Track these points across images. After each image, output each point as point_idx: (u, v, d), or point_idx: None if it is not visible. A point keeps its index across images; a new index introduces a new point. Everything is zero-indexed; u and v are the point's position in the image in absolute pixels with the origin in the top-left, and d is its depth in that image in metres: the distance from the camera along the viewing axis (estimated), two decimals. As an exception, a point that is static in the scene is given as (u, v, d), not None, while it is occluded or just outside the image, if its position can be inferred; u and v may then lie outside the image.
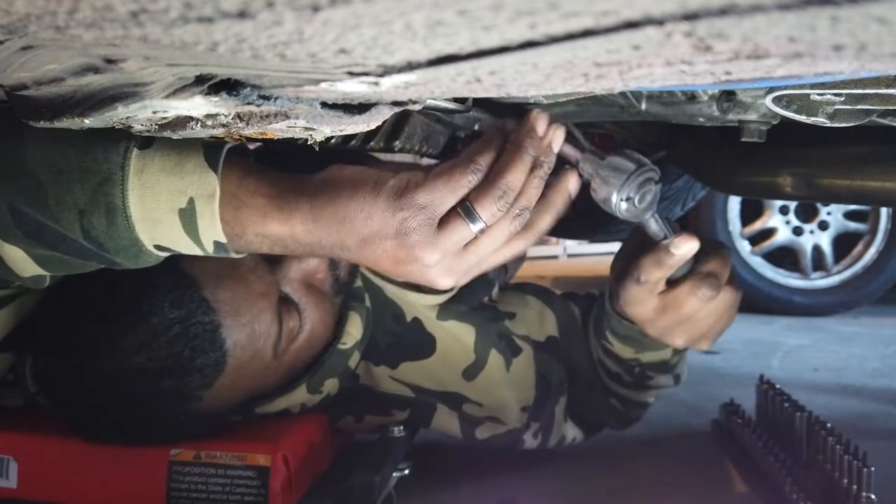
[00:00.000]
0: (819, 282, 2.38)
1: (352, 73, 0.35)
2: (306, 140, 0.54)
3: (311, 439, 0.79)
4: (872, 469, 0.74)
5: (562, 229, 2.56)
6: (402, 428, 0.81)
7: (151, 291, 0.65)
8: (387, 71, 0.34)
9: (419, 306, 0.87)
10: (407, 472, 0.78)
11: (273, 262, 0.72)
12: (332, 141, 0.81)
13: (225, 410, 0.73)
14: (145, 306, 0.64)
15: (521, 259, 1.69)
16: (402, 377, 0.85)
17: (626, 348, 0.81)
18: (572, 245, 4.68)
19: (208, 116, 0.45)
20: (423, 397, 0.85)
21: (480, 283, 0.90)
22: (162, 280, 0.65)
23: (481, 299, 0.90)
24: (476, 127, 0.85)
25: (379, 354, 0.85)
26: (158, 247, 0.56)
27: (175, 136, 0.48)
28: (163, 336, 0.64)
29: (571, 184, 0.63)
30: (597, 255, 4.58)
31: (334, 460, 0.83)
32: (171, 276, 0.66)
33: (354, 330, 0.81)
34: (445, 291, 0.87)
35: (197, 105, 0.42)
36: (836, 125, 0.61)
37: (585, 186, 0.64)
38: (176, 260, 0.65)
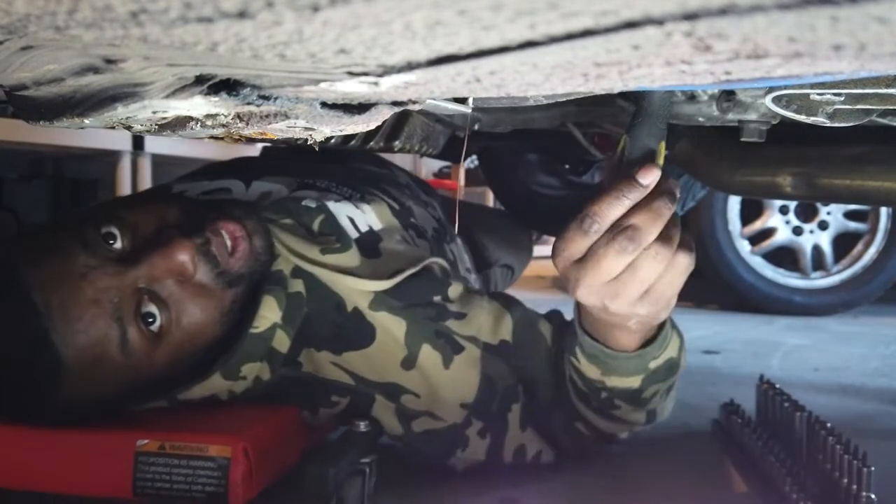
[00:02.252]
0: (819, 281, 2.38)
1: (352, 73, 0.35)
2: (306, 140, 0.54)
3: (277, 431, 0.80)
4: (872, 469, 0.74)
5: (561, 229, 2.56)
6: (367, 423, 0.81)
7: None
8: (387, 71, 0.34)
9: (356, 293, 0.85)
10: (369, 468, 0.77)
11: (128, 261, 0.73)
12: (332, 141, 0.81)
13: (99, 402, 0.75)
14: None
15: (527, 258, 1.69)
16: (345, 364, 0.84)
17: (591, 367, 0.77)
18: (572, 245, 4.67)
19: (208, 116, 0.45)
20: (362, 387, 0.84)
21: (428, 280, 0.88)
22: None
23: (428, 298, 0.87)
24: (476, 127, 0.85)
25: (321, 341, 0.84)
26: None
27: (175, 136, 0.48)
28: None
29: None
30: (597, 255, 4.56)
31: (305, 453, 0.83)
32: (4, 285, 0.69)
33: (269, 313, 0.81)
34: (382, 279, 0.85)
35: (197, 105, 0.42)
36: (836, 125, 0.61)
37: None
38: (11, 268, 0.70)
